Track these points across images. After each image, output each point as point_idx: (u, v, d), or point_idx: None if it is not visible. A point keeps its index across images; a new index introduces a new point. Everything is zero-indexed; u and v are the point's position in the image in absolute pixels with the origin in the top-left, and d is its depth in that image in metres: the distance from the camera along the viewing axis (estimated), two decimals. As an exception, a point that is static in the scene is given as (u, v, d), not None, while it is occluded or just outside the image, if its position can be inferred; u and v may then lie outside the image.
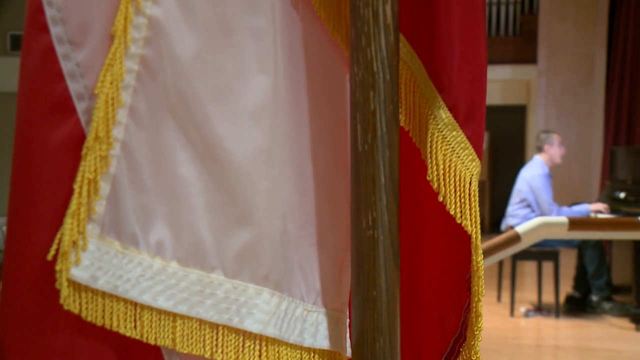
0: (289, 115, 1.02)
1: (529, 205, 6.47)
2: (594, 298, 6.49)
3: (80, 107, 0.90)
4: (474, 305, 1.08)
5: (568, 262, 7.42)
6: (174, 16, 0.92)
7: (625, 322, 6.02)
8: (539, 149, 6.67)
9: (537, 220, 2.68)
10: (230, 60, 0.95)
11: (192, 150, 0.94)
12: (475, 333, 1.10)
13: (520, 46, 12.05)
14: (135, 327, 0.92)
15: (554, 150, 6.57)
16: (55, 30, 0.88)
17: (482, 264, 1.06)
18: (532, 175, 6.46)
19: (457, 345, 1.15)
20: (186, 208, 0.94)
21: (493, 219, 12.91)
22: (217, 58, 0.94)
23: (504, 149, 14.50)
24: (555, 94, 10.87)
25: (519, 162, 12.50)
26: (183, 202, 0.94)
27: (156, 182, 0.93)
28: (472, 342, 1.11)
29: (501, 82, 12.37)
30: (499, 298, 6.95)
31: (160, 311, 0.93)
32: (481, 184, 13.09)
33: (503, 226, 6.76)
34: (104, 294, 0.90)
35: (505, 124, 14.25)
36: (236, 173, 0.96)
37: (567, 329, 6.02)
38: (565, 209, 6.42)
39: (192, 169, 0.94)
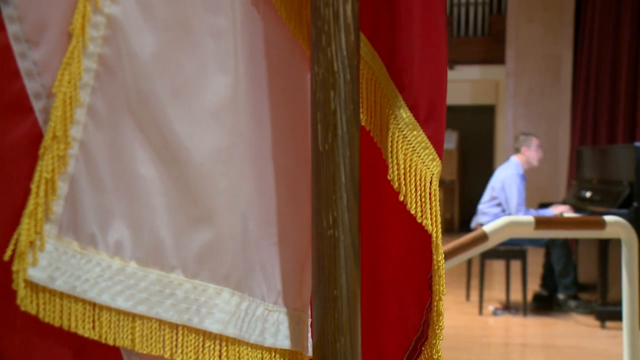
0: (249, 115, 1.02)
1: (499, 204, 6.53)
2: (561, 296, 6.57)
3: (37, 106, 0.89)
4: (436, 304, 1.09)
5: (536, 260, 7.50)
6: (133, 15, 0.91)
7: (590, 320, 6.10)
8: (517, 150, 6.75)
9: (504, 220, 2.70)
10: (190, 60, 0.95)
11: (152, 150, 0.93)
12: (437, 332, 1.11)
13: (489, 46, 12.15)
14: (93, 327, 0.91)
15: (531, 153, 6.64)
16: (11, 29, 0.87)
17: (442, 263, 1.06)
18: (506, 175, 6.54)
19: (419, 343, 1.16)
20: (146, 208, 0.93)
21: (462, 218, 13.00)
22: (177, 57, 0.94)
23: (473, 148, 14.61)
24: (523, 94, 10.98)
25: (488, 161, 12.63)
26: (142, 201, 0.93)
27: (115, 181, 0.92)
28: (434, 341, 1.12)
29: (470, 82, 12.47)
30: (467, 297, 7.01)
31: (119, 311, 0.92)
32: (450, 184, 13.18)
33: (473, 223, 6.83)
34: (61, 295, 0.89)
35: (475, 124, 14.37)
36: (196, 172, 0.95)
37: (534, 327, 6.09)
38: (532, 211, 6.50)
39: (151, 169, 0.93)
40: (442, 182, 13.40)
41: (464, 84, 12.36)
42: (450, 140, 13.46)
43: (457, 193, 13.57)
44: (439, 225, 1.05)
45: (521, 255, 6.40)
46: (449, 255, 2.62)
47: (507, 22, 11.28)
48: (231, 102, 0.98)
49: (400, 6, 1.02)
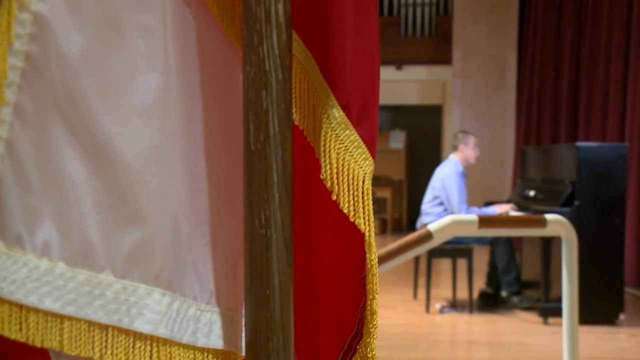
0: (181, 114, 1.01)
1: (442, 203, 6.60)
2: (504, 293, 6.68)
3: None
4: (369, 302, 1.10)
5: (482, 258, 7.59)
6: (60, 13, 0.90)
7: (534, 317, 6.21)
8: (455, 148, 6.82)
9: (449, 218, 2.73)
10: (119, 58, 0.94)
11: (81, 149, 0.92)
12: (371, 330, 1.12)
13: (436, 47, 12.27)
14: (20, 329, 0.89)
15: (468, 151, 6.71)
16: None
17: (376, 262, 1.07)
18: (446, 174, 6.60)
19: (354, 342, 1.16)
20: (74, 208, 0.92)
21: (411, 217, 13.09)
22: (106, 56, 0.93)
23: (420, 148, 14.73)
24: (470, 95, 11.12)
25: (436, 161, 12.73)
26: (71, 201, 0.92)
27: (43, 181, 0.90)
28: (368, 340, 1.13)
29: (418, 83, 12.57)
30: (415, 295, 7.07)
31: (47, 313, 0.90)
32: (398, 183, 13.28)
33: (418, 224, 6.88)
34: None
35: (422, 124, 14.49)
36: (126, 172, 0.94)
37: (480, 324, 6.17)
38: (474, 209, 6.58)
39: (80, 168, 0.92)
40: (390, 182, 13.54)
41: (412, 84, 12.45)
42: (399, 140, 13.56)
43: (406, 192, 13.67)
44: (372, 224, 1.05)
45: (467, 254, 6.48)
46: (394, 254, 2.64)
47: (454, 23, 11.42)
48: (161, 101, 0.97)
49: (332, 5, 1.02)
